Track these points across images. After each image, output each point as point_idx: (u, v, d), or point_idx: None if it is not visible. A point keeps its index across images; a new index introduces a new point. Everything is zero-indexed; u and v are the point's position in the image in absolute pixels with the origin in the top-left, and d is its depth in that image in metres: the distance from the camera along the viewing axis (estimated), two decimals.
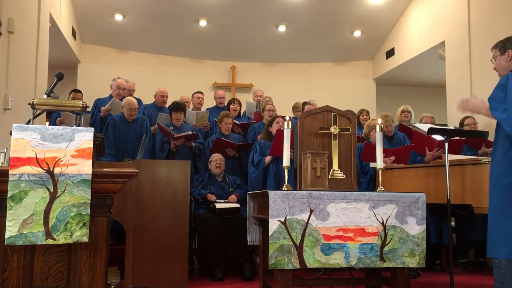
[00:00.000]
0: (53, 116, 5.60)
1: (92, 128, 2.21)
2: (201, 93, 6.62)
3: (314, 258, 2.92)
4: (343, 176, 3.44)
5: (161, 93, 6.24)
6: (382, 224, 3.03)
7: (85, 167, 2.14)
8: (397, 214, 3.06)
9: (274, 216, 2.90)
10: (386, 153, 4.51)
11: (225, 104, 6.79)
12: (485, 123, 5.15)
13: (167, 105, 6.01)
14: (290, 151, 3.30)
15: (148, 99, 6.62)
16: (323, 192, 3.01)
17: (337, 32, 8.07)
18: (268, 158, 4.83)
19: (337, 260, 2.95)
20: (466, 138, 4.74)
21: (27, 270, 2.15)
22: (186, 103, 6.21)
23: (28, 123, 2.34)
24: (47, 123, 5.75)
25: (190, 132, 5.18)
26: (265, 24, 7.82)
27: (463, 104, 2.87)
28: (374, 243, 3.01)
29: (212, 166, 4.93)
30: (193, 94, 6.64)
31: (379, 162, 3.36)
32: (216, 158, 4.93)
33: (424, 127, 4.05)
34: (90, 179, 2.14)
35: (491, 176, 2.79)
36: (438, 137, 4.19)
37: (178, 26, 7.71)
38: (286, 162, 3.22)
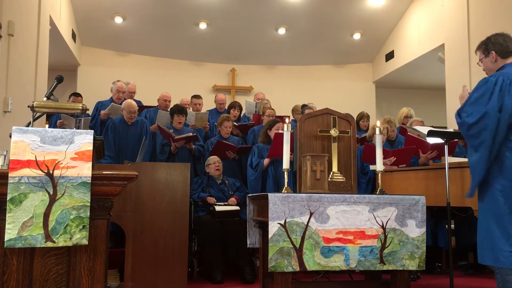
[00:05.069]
0: (53, 119, 5.61)
1: (92, 131, 2.21)
2: (199, 97, 6.59)
3: (314, 261, 2.91)
4: (343, 179, 3.44)
5: (164, 98, 6.28)
6: (382, 226, 3.03)
7: (85, 170, 2.14)
8: (397, 217, 3.06)
9: (274, 219, 2.89)
10: (386, 154, 4.51)
11: (225, 108, 6.78)
12: None
13: (169, 109, 6.02)
14: (290, 154, 3.30)
15: (147, 102, 6.62)
16: (322, 194, 3.01)
17: (336, 34, 8.08)
18: (266, 161, 4.82)
19: (337, 262, 2.95)
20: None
21: (26, 272, 2.14)
22: (186, 105, 6.22)
23: (28, 126, 2.33)
24: (47, 125, 5.75)
25: (191, 134, 5.19)
26: (264, 27, 7.83)
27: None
28: (374, 245, 3.01)
29: (211, 169, 4.90)
30: (191, 99, 6.62)
31: (379, 165, 3.36)
32: (214, 161, 4.91)
33: (424, 130, 4.05)
34: (90, 181, 2.14)
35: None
36: (438, 140, 4.19)
37: (178, 28, 7.72)
38: (286, 164, 3.22)
